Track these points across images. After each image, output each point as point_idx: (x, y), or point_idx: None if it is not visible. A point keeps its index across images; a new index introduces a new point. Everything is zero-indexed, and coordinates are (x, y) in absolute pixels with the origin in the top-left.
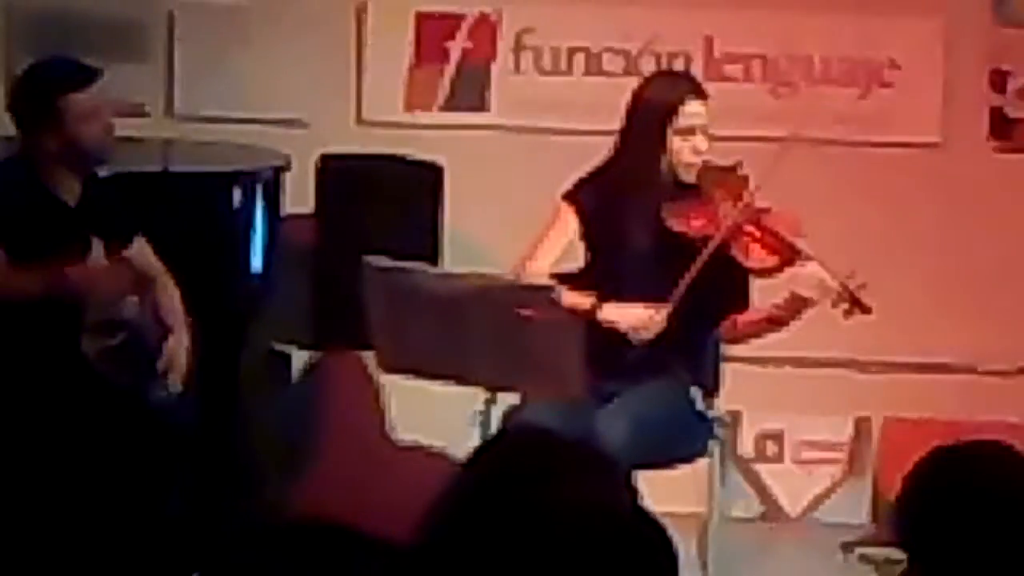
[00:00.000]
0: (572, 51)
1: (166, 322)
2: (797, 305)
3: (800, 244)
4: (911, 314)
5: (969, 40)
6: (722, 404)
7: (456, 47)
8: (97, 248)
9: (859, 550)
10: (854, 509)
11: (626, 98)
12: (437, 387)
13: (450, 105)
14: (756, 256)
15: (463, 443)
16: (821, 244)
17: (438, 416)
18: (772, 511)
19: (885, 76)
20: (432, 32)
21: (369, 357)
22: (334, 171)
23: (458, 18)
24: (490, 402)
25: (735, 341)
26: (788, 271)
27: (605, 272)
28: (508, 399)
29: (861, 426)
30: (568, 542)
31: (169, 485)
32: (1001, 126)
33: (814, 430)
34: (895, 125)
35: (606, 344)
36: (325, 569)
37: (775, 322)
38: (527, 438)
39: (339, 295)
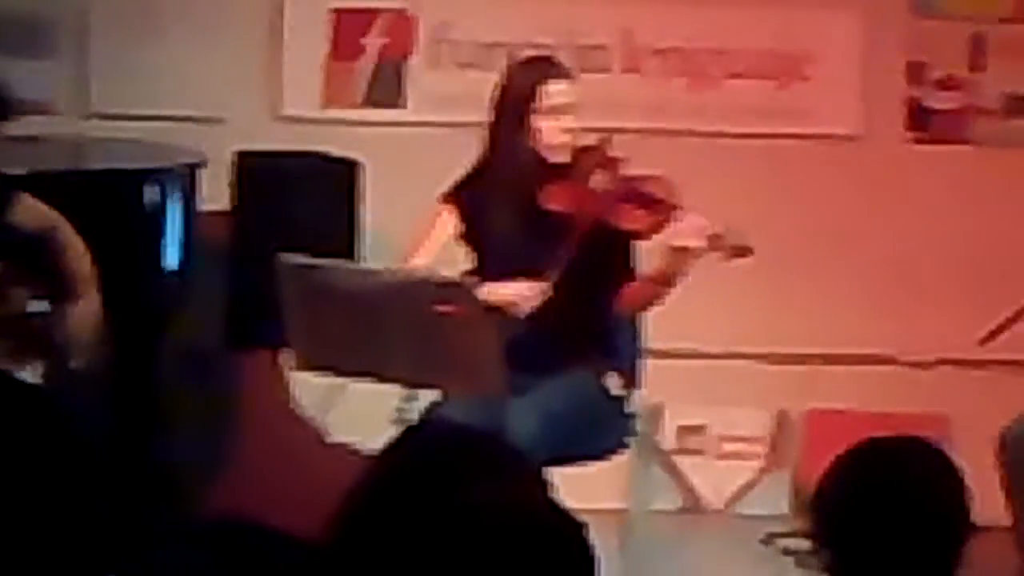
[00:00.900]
0: (491, 46)
1: (68, 285)
2: (679, 258)
3: (675, 201)
4: (831, 306)
5: (887, 32)
6: (643, 398)
7: (373, 42)
8: None
9: (780, 542)
10: (776, 501)
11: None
12: (356, 384)
13: (368, 101)
14: (633, 218)
15: (384, 440)
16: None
17: (358, 414)
18: (694, 504)
19: (803, 69)
20: (349, 27)
21: (287, 355)
22: (250, 168)
23: (375, 13)
24: (410, 399)
25: (631, 311)
26: (667, 227)
27: (491, 268)
28: (430, 396)
29: (782, 419)
30: (475, 538)
31: (84, 486)
32: (919, 118)
33: (736, 423)
34: (814, 118)
35: (515, 337)
36: (239, 568)
37: (661, 281)
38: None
39: (256, 293)
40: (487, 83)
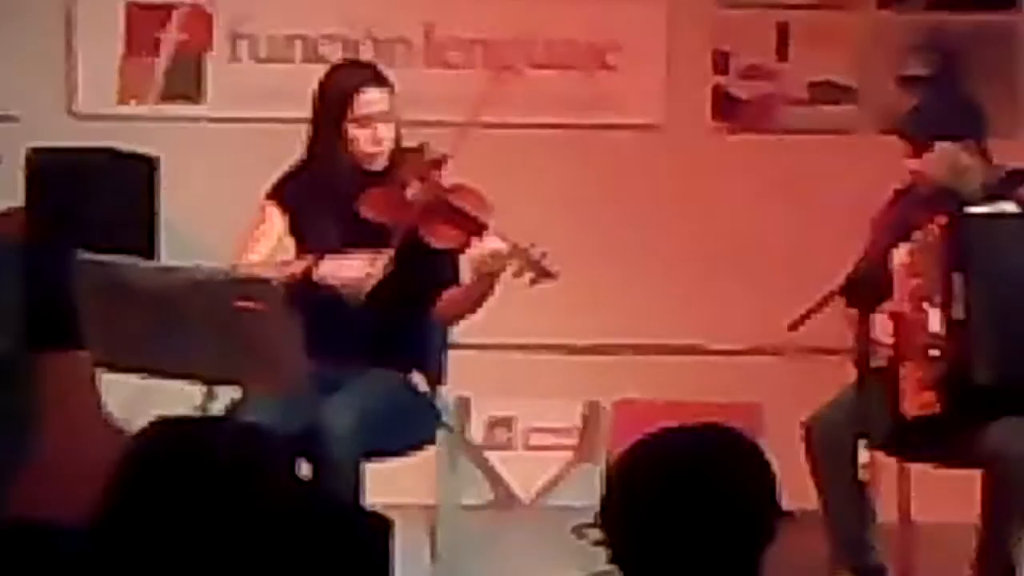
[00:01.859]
0: (290, 39)
1: None
2: (484, 278)
3: (485, 218)
4: (641, 296)
5: (691, 21)
6: (450, 392)
7: (170, 37)
8: None
9: (591, 533)
10: (586, 493)
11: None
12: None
13: (165, 96)
14: (442, 236)
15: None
16: (545, 229)
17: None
18: (504, 497)
19: (608, 59)
20: (143, 23)
21: (86, 355)
22: (45, 165)
23: (169, 8)
24: (209, 396)
25: (448, 321)
26: (474, 245)
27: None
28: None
29: (591, 410)
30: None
31: None
32: (724, 107)
33: (544, 415)
34: (618, 107)
35: (328, 330)
36: (15, 568)
37: (471, 299)
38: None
39: (52, 292)
40: (286, 77)
